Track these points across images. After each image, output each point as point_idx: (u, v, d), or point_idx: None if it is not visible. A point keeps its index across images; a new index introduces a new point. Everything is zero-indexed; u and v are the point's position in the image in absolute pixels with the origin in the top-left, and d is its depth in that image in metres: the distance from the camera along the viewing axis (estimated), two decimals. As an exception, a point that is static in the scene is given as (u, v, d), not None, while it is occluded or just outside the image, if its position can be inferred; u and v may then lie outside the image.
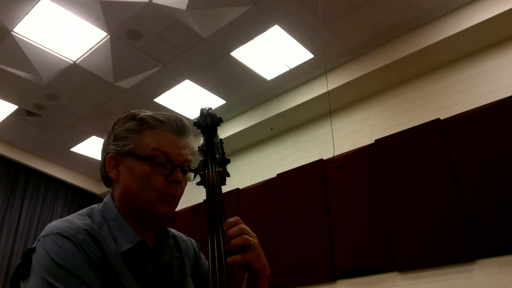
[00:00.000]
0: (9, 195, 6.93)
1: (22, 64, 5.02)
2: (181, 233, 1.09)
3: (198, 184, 1.05)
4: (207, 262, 1.06)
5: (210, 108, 1.07)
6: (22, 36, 4.65)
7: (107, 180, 0.96)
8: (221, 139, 1.12)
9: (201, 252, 1.10)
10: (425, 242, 3.98)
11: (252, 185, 5.77)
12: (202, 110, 1.10)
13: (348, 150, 4.97)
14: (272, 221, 5.22)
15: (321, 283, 4.57)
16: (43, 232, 0.84)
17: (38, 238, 0.85)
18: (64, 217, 0.90)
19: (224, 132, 6.17)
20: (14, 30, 4.56)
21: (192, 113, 5.93)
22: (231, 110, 5.97)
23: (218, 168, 1.04)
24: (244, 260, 0.91)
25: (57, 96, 5.68)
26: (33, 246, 0.84)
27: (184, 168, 0.94)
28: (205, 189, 1.02)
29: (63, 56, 4.96)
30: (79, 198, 7.81)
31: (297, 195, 5.12)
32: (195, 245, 1.10)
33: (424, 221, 4.04)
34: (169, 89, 5.50)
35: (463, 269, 3.76)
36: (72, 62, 5.04)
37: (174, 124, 0.94)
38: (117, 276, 0.83)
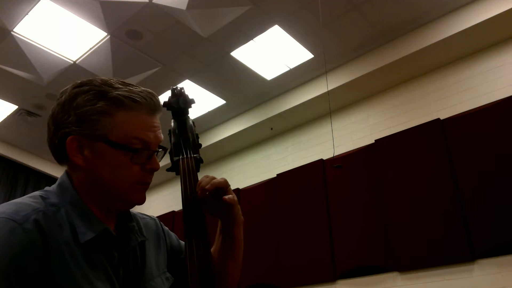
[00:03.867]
0: (9, 195, 6.93)
1: (22, 64, 5.03)
2: (139, 212, 1.00)
3: (168, 170, 0.97)
4: (173, 234, 1.05)
5: (182, 88, 0.99)
6: (22, 36, 4.65)
7: (63, 160, 0.86)
8: (193, 122, 1.04)
9: (164, 227, 1.04)
10: (425, 242, 3.98)
11: (252, 185, 5.77)
12: (173, 90, 1.00)
13: (348, 150, 4.97)
14: (272, 221, 5.22)
15: (321, 283, 4.57)
16: None
17: None
18: None
19: (224, 132, 6.17)
20: (14, 30, 4.56)
21: (192, 113, 5.92)
22: (231, 110, 5.97)
23: (193, 154, 0.98)
24: (234, 199, 0.92)
25: (57, 96, 5.67)
26: None
27: (159, 150, 0.87)
28: (178, 176, 0.95)
29: (63, 56, 4.96)
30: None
31: (297, 195, 5.12)
32: (157, 221, 1.03)
33: (424, 221, 4.04)
34: (169, 89, 5.49)
35: (463, 269, 3.76)
36: (72, 62, 5.04)
37: (151, 102, 0.84)
38: (70, 270, 0.74)
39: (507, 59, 4.24)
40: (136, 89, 0.84)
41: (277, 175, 5.48)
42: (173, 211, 6.33)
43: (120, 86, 0.84)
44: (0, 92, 5.60)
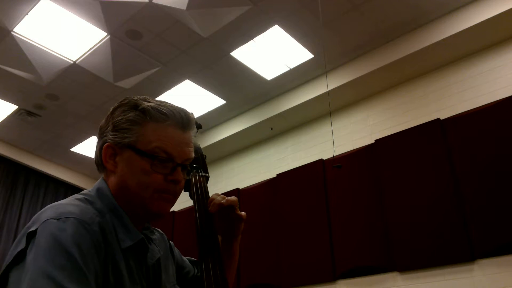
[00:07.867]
0: (9, 195, 6.93)
1: (22, 64, 5.03)
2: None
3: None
4: (178, 250, 1.10)
5: (191, 113, 1.05)
6: (22, 36, 4.66)
7: (101, 167, 0.90)
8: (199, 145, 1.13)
9: (170, 241, 1.08)
10: (425, 242, 3.98)
11: (252, 185, 5.77)
12: None
13: (348, 150, 4.96)
14: (272, 221, 5.22)
15: (321, 283, 4.57)
16: (50, 214, 0.75)
17: (40, 220, 0.74)
18: None
19: (224, 132, 6.17)
20: (14, 30, 4.56)
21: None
22: (231, 110, 5.97)
23: (202, 173, 1.05)
24: (243, 215, 1.00)
25: (57, 96, 5.68)
26: (33, 229, 0.73)
27: (186, 166, 0.90)
28: (190, 194, 1.01)
29: (63, 56, 4.96)
30: (79, 198, 7.81)
31: (297, 195, 5.12)
32: (164, 235, 1.07)
33: (424, 221, 4.04)
34: (169, 89, 5.50)
35: (463, 269, 3.76)
36: (72, 62, 5.04)
37: (179, 117, 0.88)
38: (121, 274, 0.79)
39: (507, 59, 4.24)
40: (167, 104, 0.89)
41: (277, 175, 5.48)
42: (173, 211, 6.32)
43: (153, 101, 0.89)
44: (0, 92, 5.61)
